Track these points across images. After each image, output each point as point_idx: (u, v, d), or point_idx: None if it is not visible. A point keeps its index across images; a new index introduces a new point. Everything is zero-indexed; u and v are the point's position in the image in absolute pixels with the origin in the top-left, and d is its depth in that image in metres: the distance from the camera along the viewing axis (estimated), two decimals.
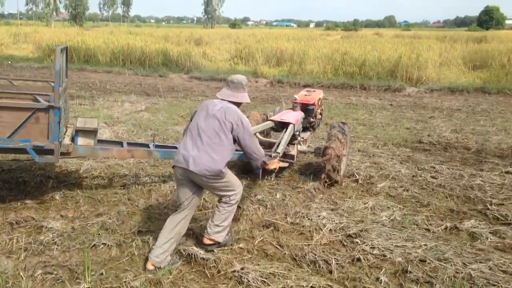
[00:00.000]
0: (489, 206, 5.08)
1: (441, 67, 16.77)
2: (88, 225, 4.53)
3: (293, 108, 6.39)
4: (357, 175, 6.08)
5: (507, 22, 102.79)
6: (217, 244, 4.00)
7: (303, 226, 4.57)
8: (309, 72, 17.13)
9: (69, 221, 4.64)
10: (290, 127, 5.81)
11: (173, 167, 3.84)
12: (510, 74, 14.76)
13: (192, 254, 3.88)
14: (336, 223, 4.59)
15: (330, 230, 4.46)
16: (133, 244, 4.17)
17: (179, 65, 18.83)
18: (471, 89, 14.20)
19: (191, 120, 3.97)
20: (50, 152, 4.52)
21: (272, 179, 5.85)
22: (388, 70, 15.89)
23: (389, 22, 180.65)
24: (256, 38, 30.21)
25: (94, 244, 4.11)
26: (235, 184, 3.93)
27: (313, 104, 6.50)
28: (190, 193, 3.81)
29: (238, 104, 3.92)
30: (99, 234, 4.35)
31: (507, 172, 6.29)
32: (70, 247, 4.06)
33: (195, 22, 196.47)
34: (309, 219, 4.72)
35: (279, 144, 5.39)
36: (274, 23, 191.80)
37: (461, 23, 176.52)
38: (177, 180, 3.84)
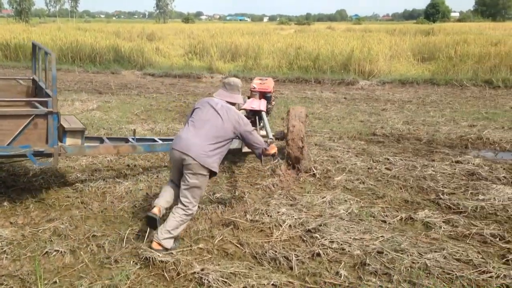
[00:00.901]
0: (441, 196, 5.24)
1: (392, 60, 17.16)
2: (40, 231, 4.35)
3: (253, 96, 6.80)
4: (314, 169, 6.12)
5: (452, 14, 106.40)
6: (165, 249, 3.96)
7: (262, 223, 4.56)
8: (264, 66, 17.14)
9: (19, 228, 4.44)
10: (263, 114, 6.47)
11: (172, 149, 4.12)
12: (457, 65, 15.28)
13: (150, 257, 3.78)
14: (295, 218, 4.61)
15: (290, 226, 4.47)
16: (88, 249, 4.03)
17: (132, 61, 18.40)
18: (420, 81, 14.61)
19: (191, 115, 4.29)
20: (48, 155, 4.68)
21: (275, 161, 5.95)
22: (341, 63, 16.12)
23: (340, 16, 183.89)
24: (210, 33, 29.93)
25: (46, 252, 3.95)
26: (200, 195, 4.18)
27: (270, 92, 7.03)
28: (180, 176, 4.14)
29: (233, 104, 4.36)
30: (51, 240, 4.18)
31: (457, 162, 6.51)
32: (21, 256, 3.88)
33: (146, 17, 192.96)
34: (268, 215, 4.71)
35: (266, 131, 5.95)
36: (228, 18, 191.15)
37: (409, 16, 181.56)
38: (173, 162, 4.20)
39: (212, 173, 4.14)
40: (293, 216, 4.67)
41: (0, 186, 5.33)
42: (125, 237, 4.21)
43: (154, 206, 4.11)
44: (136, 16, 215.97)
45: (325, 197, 5.18)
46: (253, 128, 4.52)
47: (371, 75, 15.64)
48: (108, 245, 4.09)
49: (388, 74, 15.61)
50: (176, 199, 4.18)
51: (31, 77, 5.92)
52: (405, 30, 37.25)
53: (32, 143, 4.46)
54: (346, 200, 5.12)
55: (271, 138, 5.62)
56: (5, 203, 4.92)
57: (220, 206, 4.98)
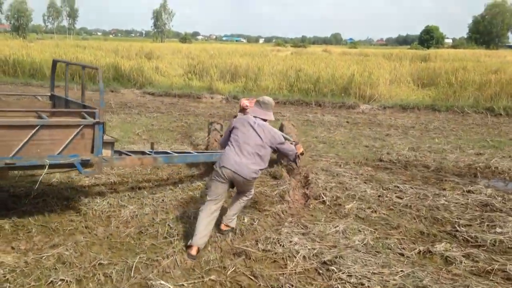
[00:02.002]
0: (457, 228, 5.09)
1: (392, 85, 17.19)
2: (43, 258, 4.15)
3: (245, 113, 6.83)
4: (324, 196, 5.98)
5: (446, 41, 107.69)
6: (231, 229, 4.73)
7: (275, 253, 4.38)
8: (264, 88, 17.09)
9: (22, 254, 4.24)
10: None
11: (221, 167, 4.49)
12: (458, 92, 15.31)
13: None
14: (309, 249, 4.44)
15: (304, 257, 4.29)
16: (95, 279, 3.83)
17: (131, 80, 18.33)
18: (421, 107, 14.59)
19: (230, 132, 4.73)
20: (91, 165, 4.85)
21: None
22: (342, 87, 16.12)
23: (335, 39, 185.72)
24: (209, 53, 30.02)
25: (51, 281, 3.75)
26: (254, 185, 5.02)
27: None
28: (225, 190, 4.62)
29: (265, 120, 4.80)
30: (55, 268, 3.98)
31: (469, 191, 6.38)
32: (25, 285, 3.68)
33: (144, 35, 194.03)
34: (281, 245, 4.54)
35: (284, 137, 6.08)
36: (224, 38, 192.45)
37: (403, 41, 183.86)
38: (220, 178, 4.52)
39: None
40: (307, 246, 4.50)
41: (1, 208, 5.13)
42: (133, 266, 4.02)
43: (192, 246, 4.36)
44: (133, 35, 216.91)
45: (337, 226, 5.02)
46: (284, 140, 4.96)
47: (371, 99, 15.62)
48: (115, 274, 3.90)
49: (388, 99, 15.61)
50: (210, 228, 4.55)
51: (49, 94, 6.00)
52: (401, 55, 37.62)
53: (79, 152, 4.62)
54: (360, 230, 4.96)
55: (294, 141, 5.87)
56: (7, 227, 4.72)
57: (229, 234, 4.80)
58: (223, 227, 4.72)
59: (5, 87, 17.06)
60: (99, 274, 3.90)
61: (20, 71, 18.90)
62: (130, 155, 5.55)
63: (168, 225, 5.00)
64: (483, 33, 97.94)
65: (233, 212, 4.80)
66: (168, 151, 6.29)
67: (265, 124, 4.72)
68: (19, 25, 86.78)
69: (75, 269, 3.97)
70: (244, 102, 7.34)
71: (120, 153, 5.60)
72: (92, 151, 4.71)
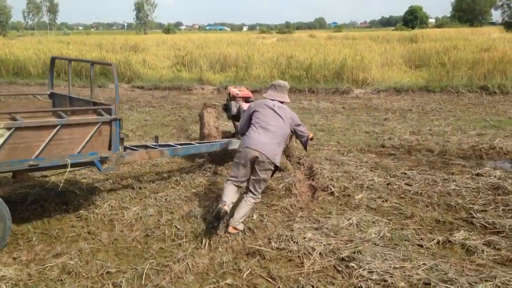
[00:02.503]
0: (473, 214, 4.95)
1: (383, 68, 17.03)
2: (47, 269, 3.94)
3: (236, 101, 7.13)
4: (332, 187, 5.80)
5: (430, 20, 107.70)
6: (238, 232, 4.55)
7: (290, 251, 4.20)
8: (255, 76, 16.84)
9: (24, 265, 4.03)
10: None
11: (245, 148, 4.64)
12: (451, 72, 15.19)
13: None
14: (324, 245, 4.26)
15: (320, 254, 4.12)
16: None
17: (119, 74, 17.90)
18: (415, 89, 14.45)
19: (250, 116, 4.91)
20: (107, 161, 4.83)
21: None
22: (334, 72, 15.91)
23: (319, 24, 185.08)
24: (196, 44, 29.59)
25: None
26: (265, 186, 5.01)
27: (251, 97, 7.39)
28: (247, 174, 4.69)
29: (282, 103, 5.00)
30: (61, 280, 3.77)
31: (478, 175, 6.24)
32: None
33: (125, 28, 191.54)
34: (295, 242, 4.36)
35: None
36: (207, 27, 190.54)
37: (386, 22, 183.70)
38: (243, 159, 4.66)
39: (275, 168, 4.80)
40: (322, 242, 4.32)
41: None
42: (144, 273, 3.82)
43: (224, 202, 4.55)
44: (114, 28, 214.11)
45: (350, 218, 4.85)
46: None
47: (364, 83, 15.46)
48: (125, 283, 3.69)
49: (382, 82, 15.45)
50: (236, 198, 4.73)
51: (48, 92, 5.87)
52: (388, 37, 37.46)
53: (97, 150, 4.60)
54: (374, 222, 4.79)
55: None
56: None
57: (240, 232, 4.62)
58: (231, 229, 4.55)
59: None
60: (108, 284, 3.70)
61: (4, 70, 18.40)
62: (137, 150, 5.47)
63: (175, 226, 4.80)
64: (466, 11, 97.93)
65: (241, 215, 4.64)
66: (171, 143, 6.19)
67: (284, 106, 4.97)
68: None
69: (82, 280, 3.77)
70: (233, 90, 7.42)
71: (125, 148, 5.42)
72: (109, 148, 4.72)
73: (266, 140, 4.64)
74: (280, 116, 4.82)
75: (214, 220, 4.59)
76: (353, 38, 40.05)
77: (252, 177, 4.70)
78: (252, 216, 5.03)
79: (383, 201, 5.42)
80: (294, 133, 5.28)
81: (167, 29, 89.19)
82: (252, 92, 15.85)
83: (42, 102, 5.85)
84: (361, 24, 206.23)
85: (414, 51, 19.75)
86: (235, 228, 4.56)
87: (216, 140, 6.61)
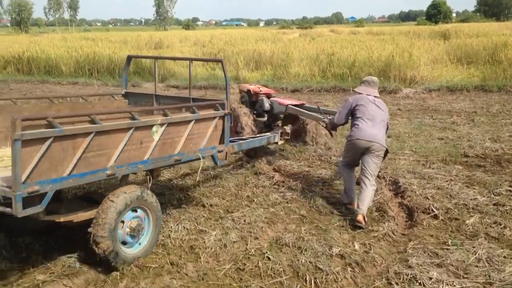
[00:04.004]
0: None
1: (432, 65, 16.10)
2: None
3: (258, 98, 7.63)
4: (434, 209, 5.05)
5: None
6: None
7: None
8: (294, 75, 16.10)
9: None
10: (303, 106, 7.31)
11: (356, 139, 5.08)
12: (508, 70, 14.21)
13: None
14: None
15: None
16: None
17: (152, 72, 17.32)
18: (470, 88, 13.56)
19: (351, 110, 5.29)
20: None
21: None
22: (380, 70, 15.06)
23: (336, 19, 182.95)
24: (224, 40, 28.86)
25: None
26: (378, 170, 5.38)
27: (272, 93, 7.83)
28: (358, 160, 5.24)
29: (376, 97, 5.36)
30: None
31: None
32: None
33: (143, 24, 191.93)
34: (421, 283, 3.64)
35: (318, 116, 6.67)
36: (224, 23, 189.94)
37: (405, 17, 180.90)
38: (355, 148, 5.15)
39: (386, 151, 5.20)
40: (455, 285, 3.59)
41: (58, 240, 4.25)
42: None
43: (357, 214, 4.83)
44: (132, 24, 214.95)
45: (476, 252, 4.10)
46: None
47: (413, 82, 14.60)
48: None
49: (431, 81, 14.56)
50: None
51: (123, 92, 5.83)
52: (419, 32, 36.25)
53: (215, 144, 4.74)
54: (505, 257, 4.04)
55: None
56: (85, 269, 3.85)
57: (348, 268, 3.92)
58: (360, 218, 4.79)
59: (22, 86, 16.17)
60: None
61: (35, 68, 17.95)
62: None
63: (267, 257, 4.13)
64: (491, 5, 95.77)
65: (366, 205, 4.92)
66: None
67: (380, 100, 5.37)
68: (21, 19, 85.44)
69: None
70: (253, 87, 7.82)
71: None
72: (221, 142, 4.83)
73: (375, 130, 5.08)
74: (380, 108, 5.24)
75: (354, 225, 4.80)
76: (381, 33, 38.92)
77: (365, 165, 5.08)
78: (354, 246, 4.33)
79: (502, 227, 4.65)
80: None
81: (187, 25, 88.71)
82: (293, 91, 15.30)
83: (119, 102, 5.68)
84: (379, 19, 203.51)
85: (459, 47, 18.74)
86: (364, 217, 4.80)
87: (264, 135, 6.90)
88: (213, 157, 4.77)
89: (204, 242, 4.41)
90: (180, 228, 4.68)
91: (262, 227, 4.76)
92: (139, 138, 3.85)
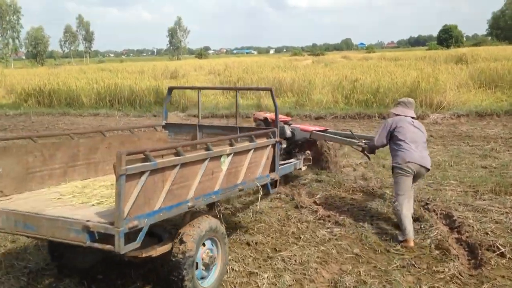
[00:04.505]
0: None
1: (458, 90, 15.79)
2: None
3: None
4: (499, 246, 4.69)
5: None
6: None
7: None
8: (317, 102, 15.89)
9: None
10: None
11: (408, 162, 5.00)
12: None
13: None
14: None
15: None
16: None
17: (173, 102, 17.24)
18: (501, 113, 13.21)
19: (392, 131, 5.20)
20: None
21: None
22: (405, 95, 14.74)
23: (346, 45, 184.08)
24: (241, 68, 28.89)
25: None
26: None
27: (289, 120, 7.93)
28: (411, 184, 5.19)
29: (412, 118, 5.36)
30: None
31: None
32: None
33: (155, 54, 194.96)
34: None
35: (350, 140, 6.78)
36: (234, 51, 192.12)
37: (415, 42, 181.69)
38: (407, 173, 5.05)
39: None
40: None
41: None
42: None
43: (408, 239, 4.89)
44: (144, 54, 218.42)
45: None
46: None
47: (439, 107, 14.28)
48: None
49: (459, 106, 14.23)
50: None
51: (163, 123, 5.81)
52: (435, 57, 36.08)
53: (267, 172, 4.76)
54: None
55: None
56: None
57: None
58: (412, 243, 4.87)
59: (44, 118, 16.15)
60: None
61: (56, 100, 17.98)
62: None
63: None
64: (504, 28, 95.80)
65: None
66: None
67: (419, 122, 5.39)
68: (37, 52, 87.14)
69: None
70: (269, 115, 7.84)
71: None
72: (271, 170, 4.84)
73: (422, 153, 5.08)
74: (421, 131, 5.26)
75: None
76: (396, 58, 38.85)
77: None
78: None
79: None
80: None
81: (200, 54, 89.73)
82: (317, 118, 15.06)
83: (160, 133, 5.71)
84: (388, 44, 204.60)
85: (483, 71, 18.41)
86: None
87: (290, 161, 6.89)
88: (267, 185, 4.72)
89: (258, 286, 4.10)
90: (228, 269, 4.37)
91: (316, 268, 4.45)
92: (211, 169, 3.85)
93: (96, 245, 2.99)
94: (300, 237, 5.22)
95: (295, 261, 4.61)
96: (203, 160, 3.73)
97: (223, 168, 4.00)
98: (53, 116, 16.71)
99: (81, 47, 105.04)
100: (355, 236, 5.24)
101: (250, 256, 4.74)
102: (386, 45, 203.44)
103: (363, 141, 6.45)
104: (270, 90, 5.31)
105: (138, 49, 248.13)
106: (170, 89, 6.10)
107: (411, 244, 4.83)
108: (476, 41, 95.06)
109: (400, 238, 4.97)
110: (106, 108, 17.24)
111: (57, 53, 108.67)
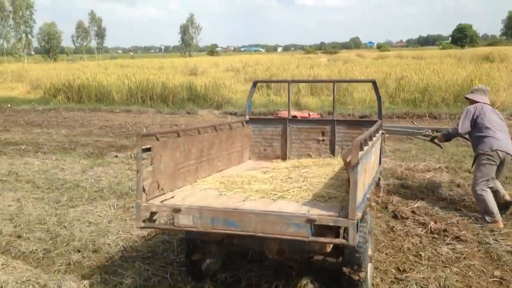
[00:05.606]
0: None
1: (507, 89, 15.04)
2: None
3: None
4: None
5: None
6: None
7: None
8: (360, 100, 15.17)
9: None
10: None
11: (495, 150, 5.02)
12: None
13: None
14: None
15: None
16: None
17: (207, 99, 16.59)
18: None
19: (476, 118, 5.19)
20: None
21: None
22: (455, 95, 14.05)
23: (354, 44, 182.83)
24: (265, 66, 28.14)
25: None
26: None
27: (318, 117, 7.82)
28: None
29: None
30: None
31: None
32: None
33: (163, 51, 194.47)
34: None
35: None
36: (242, 49, 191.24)
37: (424, 41, 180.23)
38: (493, 161, 5.07)
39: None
40: None
41: None
42: None
43: (498, 221, 5.05)
44: (152, 51, 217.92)
45: None
46: None
47: (493, 106, 13.49)
48: None
49: None
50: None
51: (247, 118, 5.72)
52: (460, 56, 35.30)
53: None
54: None
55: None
56: None
57: None
58: (501, 224, 5.03)
59: (74, 114, 15.57)
60: None
61: (86, 96, 17.38)
62: None
63: None
64: None
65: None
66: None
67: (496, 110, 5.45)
68: (50, 48, 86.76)
69: None
70: (301, 113, 8.01)
71: None
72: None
73: (507, 141, 5.08)
74: (501, 118, 5.31)
75: None
76: (418, 57, 38.09)
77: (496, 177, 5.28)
78: None
79: None
80: None
81: (212, 51, 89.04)
82: (361, 117, 14.36)
83: (246, 128, 5.61)
84: (397, 43, 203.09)
85: None
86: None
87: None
88: (379, 179, 4.75)
89: None
90: None
91: None
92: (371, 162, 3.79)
93: (322, 239, 2.86)
94: (421, 255, 4.54)
95: (433, 285, 3.92)
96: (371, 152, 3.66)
97: (372, 160, 3.90)
98: (84, 112, 16.11)
99: (93, 43, 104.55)
100: (485, 255, 4.54)
101: (374, 276, 4.07)
102: (395, 44, 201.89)
103: (429, 130, 6.37)
104: (373, 82, 5.29)
105: (146, 46, 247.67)
106: (255, 83, 5.96)
107: (501, 225, 5.00)
108: (492, 41, 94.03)
109: (489, 220, 5.10)
110: (137, 105, 16.60)
111: (69, 49, 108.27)
